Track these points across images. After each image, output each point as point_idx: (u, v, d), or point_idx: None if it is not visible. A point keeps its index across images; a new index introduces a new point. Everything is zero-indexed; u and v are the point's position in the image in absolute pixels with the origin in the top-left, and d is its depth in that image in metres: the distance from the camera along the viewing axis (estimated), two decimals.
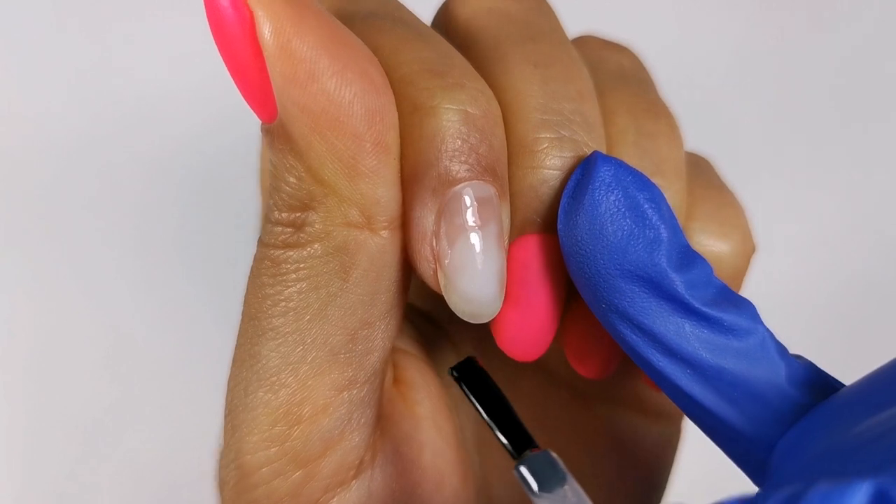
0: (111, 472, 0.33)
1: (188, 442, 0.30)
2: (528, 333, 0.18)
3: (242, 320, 0.18)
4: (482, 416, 0.17)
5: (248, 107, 0.24)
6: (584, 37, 0.22)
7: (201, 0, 0.16)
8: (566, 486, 0.16)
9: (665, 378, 0.17)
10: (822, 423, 0.15)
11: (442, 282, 0.17)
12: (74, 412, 0.33)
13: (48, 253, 0.35)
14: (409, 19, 0.19)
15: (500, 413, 0.17)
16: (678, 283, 0.16)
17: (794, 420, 0.16)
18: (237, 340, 0.18)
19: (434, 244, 0.17)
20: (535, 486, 0.16)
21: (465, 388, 0.18)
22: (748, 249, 0.20)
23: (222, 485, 0.19)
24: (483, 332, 0.23)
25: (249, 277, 0.18)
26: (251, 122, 0.23)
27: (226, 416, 0.19)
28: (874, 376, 0.15)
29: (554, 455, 0.16)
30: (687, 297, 0.16)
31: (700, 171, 0.21)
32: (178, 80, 0.37)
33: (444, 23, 0.20)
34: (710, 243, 0.20)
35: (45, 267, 0.35)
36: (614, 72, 0.21)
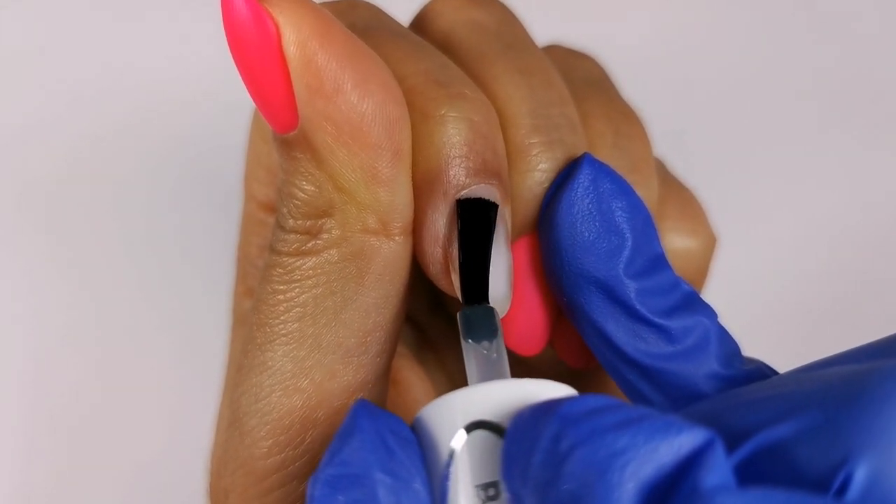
0: (103, 475, 0.32)
1: (183, 444, 0.30)
2: (533, 329, 0.19)
3: (250, 329, 0.18)
4: (458, 253, 0.17)
5: (242, 110, 0.24)
6: (550, 46, 0.23)
7: (208, 5, 0.16)
8: (493, 343, 0.17)
9: (616, 372, 0.18)
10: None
11: (456, 283, 0.17)
12: (67, 414, 0.33)
13: (44, 251, 0.34)
14: (403, 31, 0.19)
15: (476, 260, 0.17)
16: (632, 290, 0.18)
17: None
18: (243, 348, 0.19)
19: (446, 246, 0.17)
20: (463, 332, 0.17)
21: (459, 219, 0.17)
22: (713, 243, 0.22)
23: (223, 493, 0.19)
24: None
25: (259, 285, 0.18)
26: (246, 124, 0.23)
27: (231, 424, 0.19)
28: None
29: (496, 314, 0.17)
30: (637, 304, 0.18)
31: (662, 170, 0.23)
32: (177, 80, 0.36)
33: (421, 34, 0.21)
34: (682, 240, 0.21)
35: (41, 265, 0.34)
36: (584, 78, 0.22)
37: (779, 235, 0.38)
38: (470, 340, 0.17)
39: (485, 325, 0.17)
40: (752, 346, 0.20)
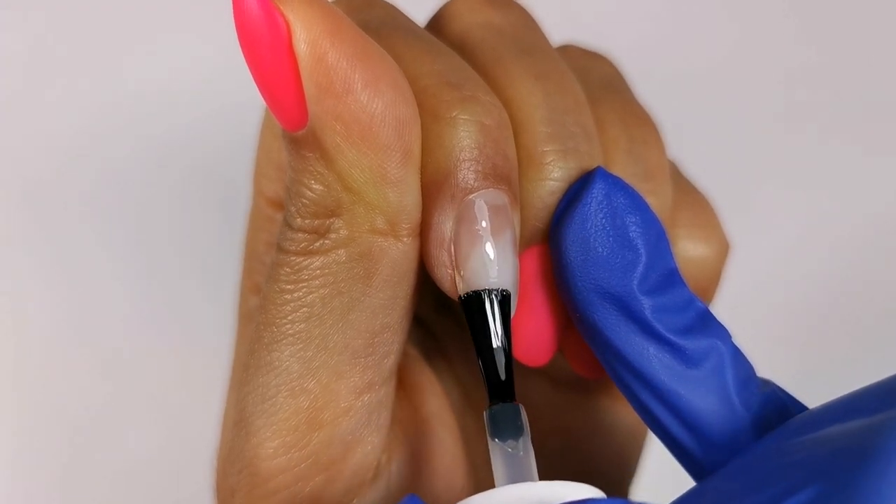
0: (105, 473, 0.32)
1: (185, 442, 0.30)
2: (541, 341, 0.19)
3: (257, 328, 0.18)
4: (476, 353, 0.17)
5: (250, 107, 0.24)
6: (565, 46, 0.23)
7: (215, 5, 0.16)
8: (518, 441, 0.17)
9: (628, 390, 0.18)
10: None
11: (460, 287, 0.17)
12: (69, 412, 0.33)
13: (45, 251, 0.34)
14: (418, 30, 0.19)
15: (498, 357, 0.17)
16: (646, 306, 0.17)
17: (739, 450, 0.17)
18: (250, 347, 0.18)
19: (452, 250, 0.17)
20: (490, 431, 0.17)
21: (468, 320, 0.17)
22: (726, 249, 0.22)
23: (229, 492, 0.19)
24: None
25: (266, 284, 0.18)
26: (253, 121, 0.23)
27: (237, 424, 0.19)
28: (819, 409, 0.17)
29: (522, 412, 0.17)
30: (652, 321, 0.17)
31: (676, 174, 0.23)
32: (187, 76, 0.36)
33: (437, 35, 0.20)
34: (695, 248, 0.21)
35: (42, 265, 0.34)
36: (599, 81, 0.22)
37: (780, 240, 0.38)
38: (497, 440, 0.17)
39: (511, 423, 0.17)
40: (754, 349, 0.20)
